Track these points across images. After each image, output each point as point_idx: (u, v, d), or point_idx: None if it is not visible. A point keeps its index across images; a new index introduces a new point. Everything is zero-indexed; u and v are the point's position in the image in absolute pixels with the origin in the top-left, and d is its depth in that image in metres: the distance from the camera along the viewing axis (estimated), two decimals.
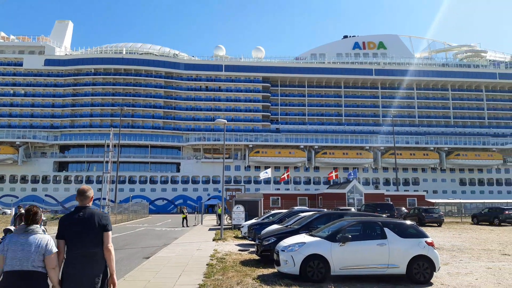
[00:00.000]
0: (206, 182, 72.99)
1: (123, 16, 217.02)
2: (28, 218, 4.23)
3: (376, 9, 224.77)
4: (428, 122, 79.17)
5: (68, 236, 4.30)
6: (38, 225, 4.24)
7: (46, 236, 4.20)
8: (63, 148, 75.72)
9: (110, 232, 4.45)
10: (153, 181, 72.59)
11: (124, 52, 79.48)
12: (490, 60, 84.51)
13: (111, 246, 4.39)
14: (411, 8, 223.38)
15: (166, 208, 69.73)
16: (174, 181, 73.04)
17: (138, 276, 10.17)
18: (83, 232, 4.30)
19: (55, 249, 4.19)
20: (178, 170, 74.00)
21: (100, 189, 49.82)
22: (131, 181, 72.08)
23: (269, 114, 78.68)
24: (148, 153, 74.87)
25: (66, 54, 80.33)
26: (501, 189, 73.41)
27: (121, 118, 61.71)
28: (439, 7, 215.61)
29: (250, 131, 75.92)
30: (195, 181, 73.04)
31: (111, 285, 4.35)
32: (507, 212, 33.96)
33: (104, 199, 47.95)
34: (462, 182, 74.01)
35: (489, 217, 34.69)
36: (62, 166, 74.30)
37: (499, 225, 33.10)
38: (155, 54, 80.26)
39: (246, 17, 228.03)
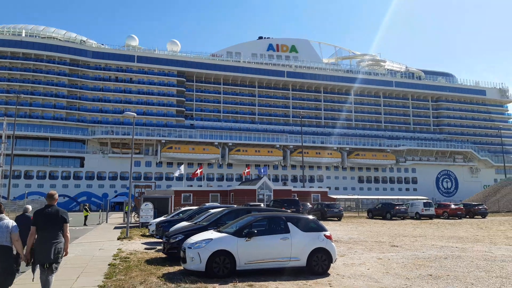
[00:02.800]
0: (114, 178, 69.33)
1: None
2: None
3: (289, 13, 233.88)
4: (333, 123, 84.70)
5: (40, 223, 6.65)
6: (3, 214, 6.49)
7: (11, 220, 6.51)
8: None
9: (67, 224, 6.92)
10: (53, 177, 66.86)
11: (23, 35, 71.71)
12: (388, 69, 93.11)
13: (68, 233, 6.97)
14: (321, 15, 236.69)
15: (68, 206, 64.64)
16: (77, 177, 68.09)
17: (30, 278, 9.30)
18: (51, 221, 6.68)
19: (17, 229, 6.48)
20: (82, 165, 69.12)
21: None
22: (28, 176, 65.58)
23: (184, 109, 77.43)
24: (48, 146, 68.68)
25: None
26: (394, 186, 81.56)
27: (17, 107, 55.82)
28: (347, 17, 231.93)
29: (163, 126, 73.94)
30: (101, 177, 68.94)
31: (65, 253, 6.95)
32: (397, 207, 37.83)
33: None
34: (361, 180, 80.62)
35: (382, 211, 38.26)
36: None
37: (391, 219, 36.70)
38: (60, 39, 73.82)
39: (161, 9, 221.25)
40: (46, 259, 6.59)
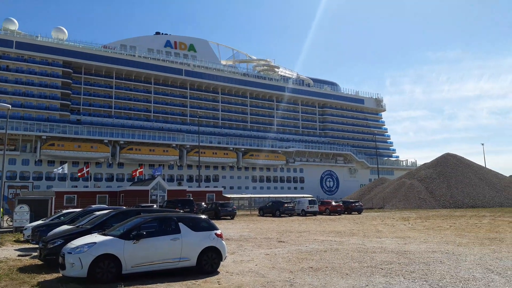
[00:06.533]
0: None
1: None
2: None
3: (188, 11, 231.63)
4: (230, 124, 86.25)
5: None
6: None
7: None
8: None
9: None
10: None
11: None
12: (281, 75, 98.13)
13: None
14: (219, 16, 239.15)
15: None
16: None
17: None
18: None
19: None
20: None
21: None
22: None
23: (70, 103, 71.07)
24: None
25: None
26: (284, 185, 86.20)
27: None
28: (245, 21, 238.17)
29: (45, 120, 66.83)
30: None
31: None
32: (286, 205, 40.14)
33: None
34: (254, 179, 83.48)
35: (272, 209, 40.22)
36: None
37: (280, 216, 38.74)
38: None
39: None
40: None
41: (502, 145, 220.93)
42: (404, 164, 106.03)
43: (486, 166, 68.94)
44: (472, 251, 13.38)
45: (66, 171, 44.68)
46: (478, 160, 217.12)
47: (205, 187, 68.81)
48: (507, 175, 66.14)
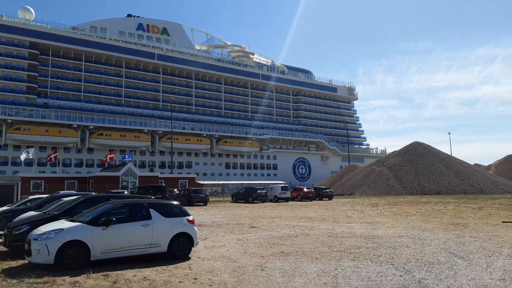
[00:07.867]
0: None
1: None
2: None
3: None
4: (203, 110, 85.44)
5: None
6: None
7: None
8: None
9: None
10: None
11: None
12: (256, 62, 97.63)
13: None
14: (193, 1, 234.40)
15: None
16: None
17: None
18: None
19: None
20: None
21: None
22: None
23: (36, 86, 68.36)
24: None
25: None
26: (257, 172, 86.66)
27: None
28: (219, 5, 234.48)
29: (10, 103, 64.13)
30: None
31: None
32: (258, 191, 40.44)
33: None
34: (228, 166, 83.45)
35: (245, 195, 40.47)
36: None
37: (252, 202, 39.02)
38: None
39: None
40: None
41: (468, 134, 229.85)
42: (374, 152, 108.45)
43: (452, 155, 71.45)
44: (437, 236, 13.91)
45: (32, 156, 43.22)
46: (444, 148, 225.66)
47: (178, 173, 68.24)
48: (472, 164, 68.92)
